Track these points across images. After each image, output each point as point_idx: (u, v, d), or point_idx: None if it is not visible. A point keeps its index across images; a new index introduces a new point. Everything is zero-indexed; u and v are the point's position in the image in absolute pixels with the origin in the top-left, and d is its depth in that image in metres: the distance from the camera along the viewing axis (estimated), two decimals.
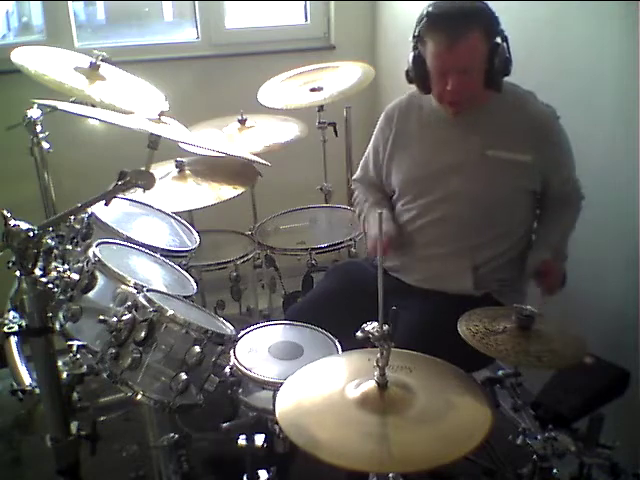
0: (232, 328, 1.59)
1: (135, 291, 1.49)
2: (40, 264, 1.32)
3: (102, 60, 2.22)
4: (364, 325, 1.21)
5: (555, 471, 1.32)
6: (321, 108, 2.60)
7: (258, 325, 1.72)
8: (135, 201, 2.01)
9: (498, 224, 1.78)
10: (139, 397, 1.41)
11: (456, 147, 1.79)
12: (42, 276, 1.28)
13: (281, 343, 1.65)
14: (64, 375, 1.40)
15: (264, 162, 2.24)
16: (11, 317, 1.49)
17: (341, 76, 2.60)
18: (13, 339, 1.65)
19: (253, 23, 3.27)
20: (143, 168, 1.69)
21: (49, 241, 1.66)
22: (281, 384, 1.26)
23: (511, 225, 1.80)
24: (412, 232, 1.87)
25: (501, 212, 1.77)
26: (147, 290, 1.49)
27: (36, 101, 2.12)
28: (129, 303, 1.45)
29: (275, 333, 1.70)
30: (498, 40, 1.66)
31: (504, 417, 1.61)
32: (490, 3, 2.13)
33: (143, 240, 1.78)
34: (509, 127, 1.73)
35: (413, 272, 1.87)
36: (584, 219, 1.92)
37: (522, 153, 1.70)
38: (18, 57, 2.04)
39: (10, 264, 1.36)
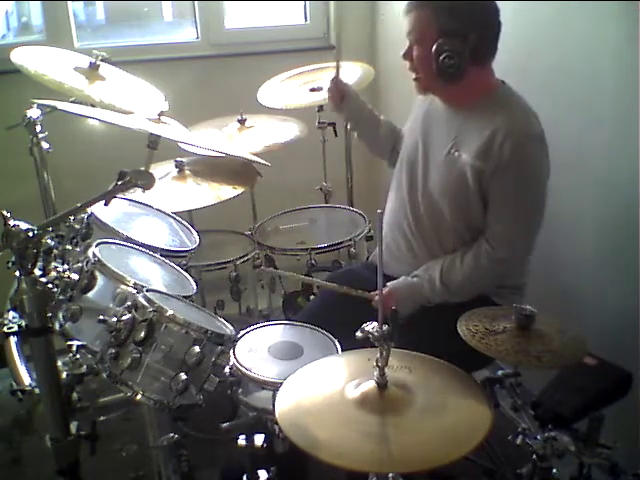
0: (232, 328, 1.59)
1: (135, 291, 1.49)
2: (40, 264, 1.32)
3: (102, 60, 2.22)
4: (364, 325, 1.21)
5: (555, 471, 1.32)
6: (321, 108, 2.59)
7: (258, 325, 1.72)
8: (135, 201, 2.01)
9: (460, 226, 1.76)
10: (139, 397, 1.41)
11: (432, 144, 1.81)
12: (42, 276, 1.28)
13: (281, 343, 1.65)
14: (64, 375, 1.40)
15: (264, 162, 2.24)
16: (11, 317, 1.49)
17: (341, 76, 2.59)
18: (13, 339, 1.64)
19: (253, 23, 3.27)
20: (143, 168, 1.69)
21: (49, 241, 1.66)
22: (281, 384, 1.26)
23: (474, 229, 1.76)
24: (392, 224, 1.91)
25: (460, 214, 1.75)
26: (147, 290, 1.49)
27: (36, 101, 2.12)
28: (129, 303, 1.45)
29: (275, 333, 1.70)
30: (454, 34, 1.64)
31: (504, 417, 1.61)
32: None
33: (143, 240, 1.78)
34: (478, 129, 1.69)
35: (397, 267, 1.87)
36: (584, 218, 1.92)
37: (476, 157, 1.67)
38: (18, 57, 2.04)
39: (10, 264, 1.36)
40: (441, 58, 1.66)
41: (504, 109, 1.69)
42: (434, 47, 1.66)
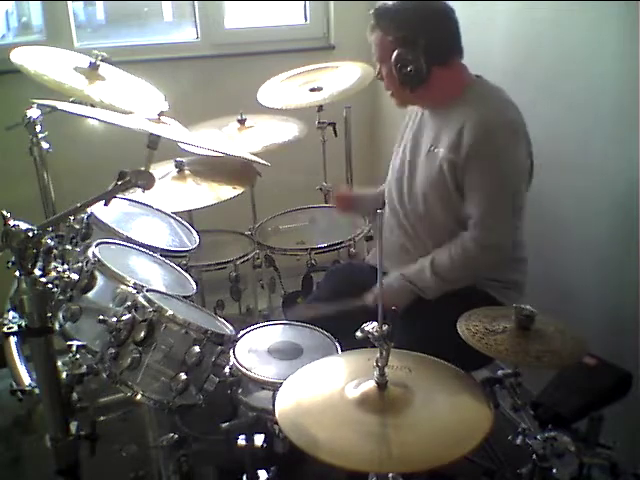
0: (232, 328, 1.59)
1: (135, 291, 1.49)
2: (39, 264, 1.32)
3: (102, 60, 2.21)
4: (364, 325, 1.21)
5: (555, 471, 1.32)
6: (320, 108, 2.59)
7: (258, 325, 1.72)
8: (135, 201, 2.01)
9: (450, 222, 1.77)
10: (139, 397, 1.41)
11: (416, 145, 1.84)
12: (41, 276, 1.28)
13: (281, 343, 1.65)
14: (64, 375, 1.40)
15: (264, 162, 2.24)
16: (11, 317, 1.49)
17: (341, 76, 2.60)
18: (13, 339, 1.65)
19: (253, 23, 3.27)
20: (143, 168, 1.68)
21: (49, 241, 1.65)
22: (281, 384, 1.26)
23: (465, 223, 1.76)
24: (386, 226, 1.91)
25: (447, 209, 1.76)
26: (147, 290, 1.49)
27: (36, 101, 2.12)
28: (129, 303, 1.45)
29: (275, 333, 1.70)
30: (405, 42, 1.69)
31: (504, 417, 1.61)
32: (492, 3, 2.14)
33: (143, 240, 1.78)
34: (452, 124, 1.72)
35: (395, 268, 1.87)
36: (585, 219, 1.92)
37: (449, 151, 1.70)
38: (18, 57, 2.03)
39: (10, 264, 1.36)
40: (400, 67, 1.71)
41: (477, 102, 1.72)
42: (392, 60, 1.71)
